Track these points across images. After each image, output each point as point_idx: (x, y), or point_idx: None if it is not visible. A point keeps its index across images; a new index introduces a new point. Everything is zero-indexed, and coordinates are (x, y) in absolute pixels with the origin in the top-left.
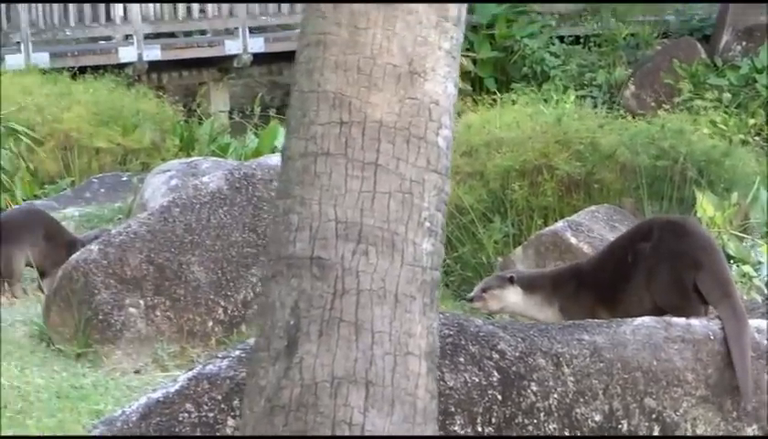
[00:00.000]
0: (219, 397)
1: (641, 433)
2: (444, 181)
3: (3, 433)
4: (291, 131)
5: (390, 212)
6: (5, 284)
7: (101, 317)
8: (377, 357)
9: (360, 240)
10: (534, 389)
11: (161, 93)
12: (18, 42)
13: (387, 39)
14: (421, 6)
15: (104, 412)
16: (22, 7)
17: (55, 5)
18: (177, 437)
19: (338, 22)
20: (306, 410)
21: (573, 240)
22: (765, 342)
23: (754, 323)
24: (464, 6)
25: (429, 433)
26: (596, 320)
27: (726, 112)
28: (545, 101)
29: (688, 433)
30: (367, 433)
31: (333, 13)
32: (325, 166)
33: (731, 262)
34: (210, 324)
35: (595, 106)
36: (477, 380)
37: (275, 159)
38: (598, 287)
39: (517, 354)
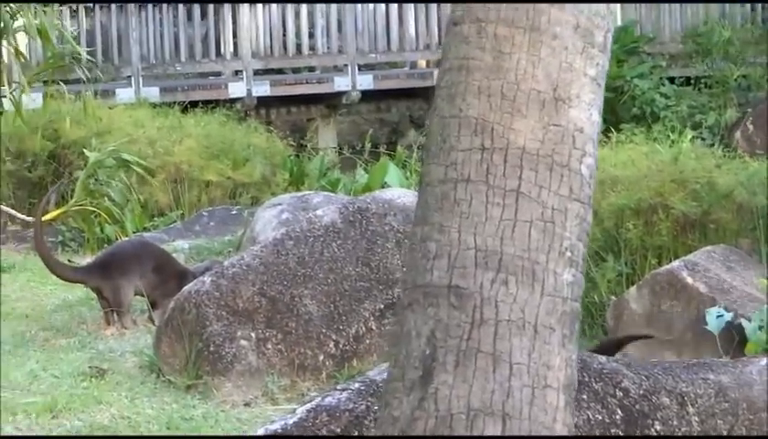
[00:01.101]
0: (338, 430)
1: None
2: (587, 210)
3: None
4: (430, 156)
5: (531, 241)
6: (115, 315)
7: (212, 349)
8: (514, 389)
9: (500, 270)
10: (658, 428)
11: (270, 128)
12: (129, 76)
13: (531, 65)
14: (566, 32)
15: None
16: (134, 41)
17: (166, 42)
18: None
19: (482, 47)
20: None
21: (690, 280)
22: None
23: None
24: (611, 33)
25: None
26: (721, 360)
27: None
28: (655, 140)
29: None
30: None
31: (476, 37)
32: (465, 193)
33: None
34: (321, 358)
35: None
36: (600, 418)
37: (389, 194)
38: None
39: (641, 392)
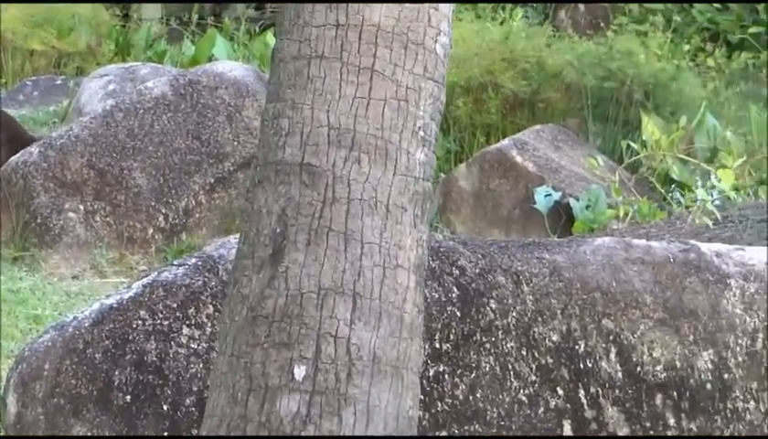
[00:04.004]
0: (175, 305)
1: (598, 355)
2: (440, 90)
3: None
4: (284, 32)
5: (385, 120)
6: None
7: (39, 221)
8: (365, 268)
9: (353, 148)
10: (493, 306)
11: None
12: None
13: None
14: None
15: (42, 317)
16: None
17: None
18: None
19: None
20: (291, 320)
21: (519, 159)
22: (724, 267)
23: (713, 247)
24: None
25: (415, 347)
26: (557, 239)
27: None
28: (478, 17)
29: (645, 356)
30: (352, 347)
31: None
32: (318, 70)
33: (675, 185)
34: (151, 231)
35: (529, 26)
36: (437, 296)
37: (220, 66)
38: None
39: (477, 271)
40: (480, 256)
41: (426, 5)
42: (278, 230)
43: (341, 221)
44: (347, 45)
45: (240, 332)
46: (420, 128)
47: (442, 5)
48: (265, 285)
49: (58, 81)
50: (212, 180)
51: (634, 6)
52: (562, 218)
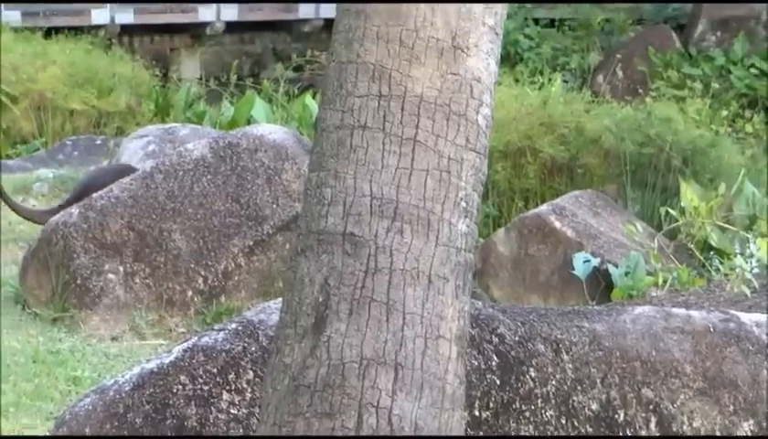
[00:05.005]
0: (215, 370)
1: (637, 424)
2: (482, 161)
3: None
4: (327, 102)
5: (427, 190)
6: None
7: (79, 282)
8: (407, 338)
9: (395, 218)
10: (533, 374)
11: (136, 58)
12: None
13: (431, 12)
14: None
15: (81, 379)
16: None
17: None
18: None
19: None
20: (333, 390)
21: (558, 225)
22: (765, 337)
23: (753, 317)
24: None
25: (456, 419)
26: (596, 308)
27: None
28: (516, 81)
29: (685, 426)
30: (394, 418)
31: None
32: (361, 140)
33: (714, 252)
34: (190, 293)
35: (568, 91)
36: (477, 364)
37: (260, 129)
38: None
39: (517, 338)
40: (519, 324)
41: (469, 76)
42: (320, 300)
43: (383, 291)
44: (390, 115)
45: (283, 401)
46: (462, 199)
47: (484, 77)
48: (307, 355)
49: (98, 141)
50: (251, 243)
51: (673, 72)
52: (601, 284)
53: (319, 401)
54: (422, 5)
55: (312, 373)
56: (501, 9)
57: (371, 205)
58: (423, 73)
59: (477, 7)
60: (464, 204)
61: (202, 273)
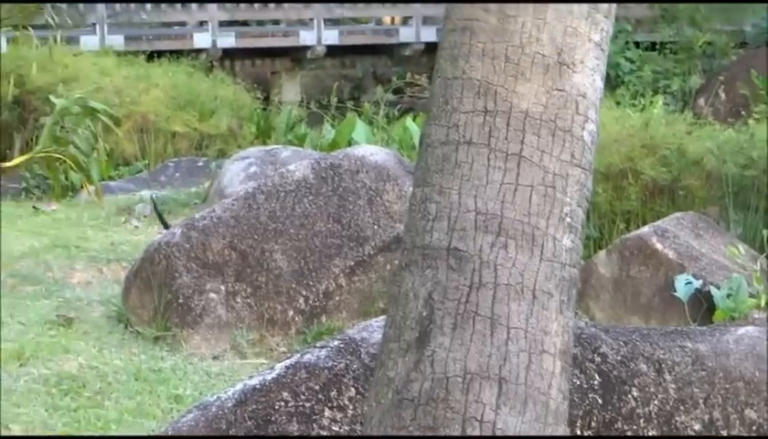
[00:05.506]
0: (317, 387)
1: None
2: (587, 177)
3: (81, 413)
4: (432, 117)
5: (532, 205)
6: None
7: (180, 301)
8: (511, 353)
9: (500, 233)
10: (635, 394)
11: (237, 81)
12: (94, 24)
13: (536, 28)
14: None
15: (183, 397)
16: None
17: None
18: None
19: (487, 8)
20: (436, 404)
21: (659, 246)
22: None
23: None
24: None
25: (560, 433)
26: (699, 328)
27: None
28: (617, 103)
29: None
30: (498, 432)
31: None
32: (466, 156)
33: None
34: (291, 313)
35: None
36: (579, 383)
37: (361, 150)
38: None
39: (619, 358)
40: (622, 343)
41: (574, 91)
42: (424, 314)
43: (487, 306)
44: (495, 131)
45: (386, 415)
46: (567, 215)
47: (590, 93)
48: (411, 369)
49: (200, 163)
50: (352, 263)
51: None
52: (702, 306)
53: (423, 415)
54: (528, 23)
55: (416, 387)
56: (607, 25)
57: (476, 220)
58: (529, 89)
59: (583, 24)
60: (568, 219)
61: (303, 292)
